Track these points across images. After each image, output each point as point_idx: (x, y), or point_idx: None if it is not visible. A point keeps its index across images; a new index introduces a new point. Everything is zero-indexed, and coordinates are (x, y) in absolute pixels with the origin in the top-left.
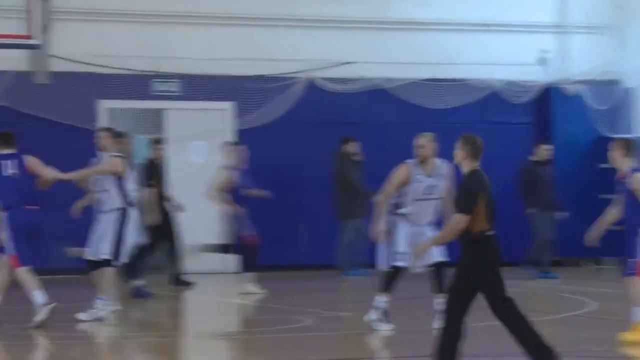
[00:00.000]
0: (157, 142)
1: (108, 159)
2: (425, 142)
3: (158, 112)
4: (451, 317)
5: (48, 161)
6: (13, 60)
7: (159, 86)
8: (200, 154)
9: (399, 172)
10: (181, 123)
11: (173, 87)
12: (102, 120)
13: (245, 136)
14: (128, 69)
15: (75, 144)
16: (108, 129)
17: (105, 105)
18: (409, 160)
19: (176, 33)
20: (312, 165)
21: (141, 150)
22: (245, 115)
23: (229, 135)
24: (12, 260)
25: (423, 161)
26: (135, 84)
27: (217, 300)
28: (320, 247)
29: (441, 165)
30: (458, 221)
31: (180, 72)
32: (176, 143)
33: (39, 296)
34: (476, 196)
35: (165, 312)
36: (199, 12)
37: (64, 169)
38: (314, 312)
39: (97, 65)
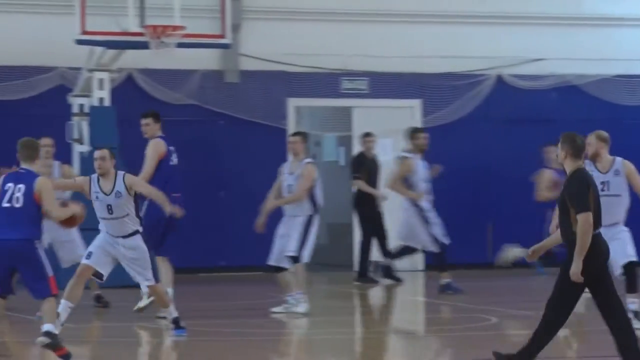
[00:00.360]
0: (367, 135)
1: (306, 169)
2: (590, 139)
3: (346, 110)
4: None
5: (237, 158)
6: (204, 60)
7: (348, 84)
8: (387, 151)
9: None
10: (369, 121)
11: (361, 85)
12: (291, 119)
13: (432, 133)
14: (317, 67)
15: (265, 142)
16: (301, 134)
17: (294, 104)
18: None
19: (365, 31)
20: (501, 163)
21: (329, 148)
22: (432, 112)
23: None
24: None
25: (592, 158)
26: (324, 82)
27: (404, 298)
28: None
29: (616, 162)
30: (585, 220)
31: (369, 69)
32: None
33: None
34: (587, 194)
35: (353, 309)
36: (389, 10)
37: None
38: (501, 311)
39: (287, 64)
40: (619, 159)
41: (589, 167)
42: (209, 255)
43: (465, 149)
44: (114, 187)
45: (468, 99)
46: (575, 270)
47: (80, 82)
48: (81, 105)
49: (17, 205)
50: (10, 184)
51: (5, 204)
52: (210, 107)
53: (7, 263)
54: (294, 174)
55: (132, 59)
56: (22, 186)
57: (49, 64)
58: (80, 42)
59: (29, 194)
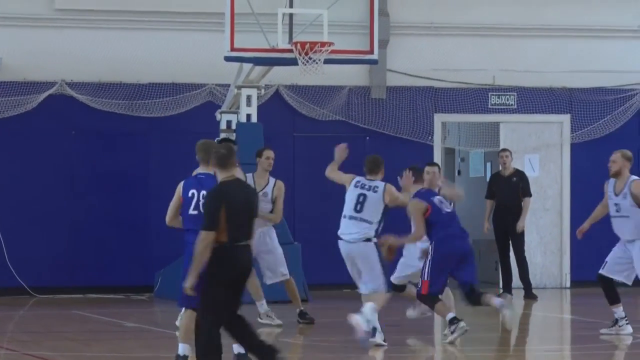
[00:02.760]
0: (501, 151)
1: None
2: (615, 157)
3: (493, 126)
4: None
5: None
6: (351, 75)
7: (496, 99)
8: (534, 167)
9: None
10: (516, 136)
11: (509, 100)
12: (437, 134)
13: (581, 149)
14: (465, 83)
15: (412, 158)
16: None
17: (441, 119)
18: None
19: (514, 45)
20: None
21: (475, 164)
22: (581, 127)
23: (565, 148)
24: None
25: (614, 176)
26: (472, 98)
27: (550, 315)
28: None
29: (627, 183)
30: (204, 237)
31: (517, 84)
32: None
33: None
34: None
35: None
36: (538, 25)
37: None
38: None
39: (434, 80)
40: (631, 179)
41: (610, 186)
42: None
43: None
44: None
45: (618, 114)
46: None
47: (229, 98)
48: (229, 122)
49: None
50: (193, 191)
51: (193, 212)
52: (356, 123)
53: None
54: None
55: (279, 75)
56: (205, 192)
57: (198, 81)
58: (229, 59)
59: None
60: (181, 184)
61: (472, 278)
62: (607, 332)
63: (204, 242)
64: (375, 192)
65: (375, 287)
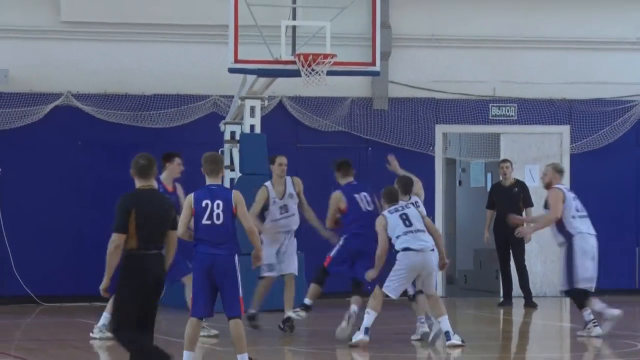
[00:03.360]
0: (502, 161)
1: None
2: (545, 170)
3: (494, 136)
4: None
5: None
6: (354, 87)
7: (496, 110)
8: (534, 178)
9: None
10: (516, 147)
11: (510, 111)
12: (439, 145)
13: (580, 159)
14: (465, 94)
15: (413, 168)
16: None
17: (442, 130)
18: None
19: (514, 57)
20: None
21: (476, 174)
22: (581, 138)
23: (565, 159)
24: None
25: (546, 188)
26: (472, 109)
27: (548, 323)
28: None
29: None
30: (112, 240)
31: (518, 96)
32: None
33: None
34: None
35: (498, 334)
36: (538, 37)
37: None
38: None
39: (435, 91)
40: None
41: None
42: None
43: (612, 174)
44: None
45: (617, 125)
46: None
47: (232, 109)
48: (233, 132)
49: (218, 223)
50: (207, 201)
51: (206, 222)
52: (358, 134)
53: (212, 278)
54: None
55: (283, 87)
56: (220, 202)
57: (202, 93)
58: (232, 70)
59: (228, 211)
60: (191, 196)
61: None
62: (580, 334)
63: (112, 244)
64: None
65: None
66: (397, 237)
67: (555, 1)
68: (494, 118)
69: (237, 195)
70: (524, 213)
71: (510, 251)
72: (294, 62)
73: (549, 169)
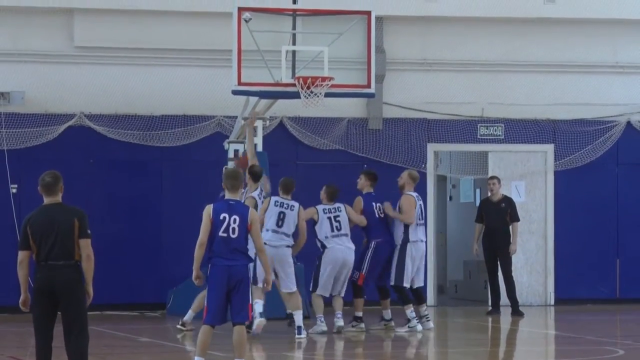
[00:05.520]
0: (489, 178)
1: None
2: (402, 174)
3: (482, 154)
4: None
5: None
6: (350, 108)
7: (484, 130)
8: (520, 193)
9: None
10: (504, 164)
11: (497, 130)
12: (430, 163)
13: (564, 176)
14: (456, 115)
15: None
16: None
17: (433, 149)
18: None
19: (501, 80)
20: (629, 203)
21: (466, 190)
22: (564, 157)
23: (549, 176)
24: None
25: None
26: (462, 129)
27: (534, 331)
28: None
29: None
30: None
31: (504, 116)
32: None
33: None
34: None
35: (486, 341)
36: (523, 61)
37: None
38: (628, 344)
39: (427, 112)
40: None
41: None
42: None
43: (594, 190)
44: None
45: (598, 144)
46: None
47: (236, 129)
48: (236, 151)
49: (233, 236)
50: (224, 214)
51: (222, 234)
52: (354, 152)
53: (227, 287)
54: None
55: (283, 108)
56: (237, 217)
57: (207, 113)
58: (236, 92)
59: (243, 227)
60: (210, 207)
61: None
62: (400, 330)
63: (18, 259)
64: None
65: None
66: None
67: (539, 27)
68: (483, 137)
69: (253, 214)
70: (510, 227)
71: (498, 262)
72: (293, 85)
73: (405, 174)
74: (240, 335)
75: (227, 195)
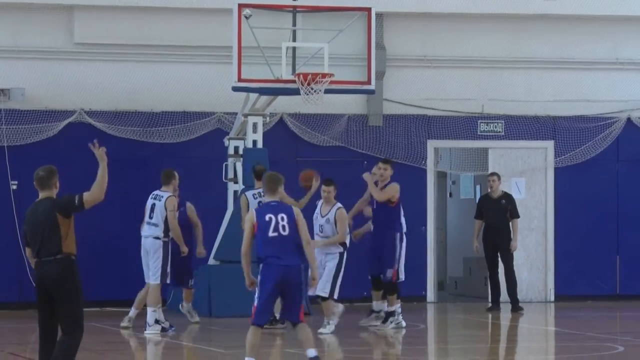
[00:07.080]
0: (489, 175)
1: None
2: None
3: (482, 151)
4: None
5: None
6: (350, 104)
7: (484, 127)
8: (520, 190)
9: None
10: (504, 161)
11: (497, 127)
12: (430, 159)
13: (564, 173)
14: (456, 111)
15: (406, 181)
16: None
17: (433, 145)
18: None
19: (501, 77)
20: (629, 199)
21: (466, 186)
22: (565, 153)
23: (549, 172)
24: None
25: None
26: (462, 125)
27: (534, 327)
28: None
29: None
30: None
31: (504, 113)
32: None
33: None
34: None
35: (487, 338)
36: (523, 57)
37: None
38: (628, 340)
39: (427, 108)
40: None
41: None
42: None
43: (594, 187)
44: None
45: (598, 141)
46: None
47: (236, 125)
48: (236, 147)
49: (285, 234)
50: (270, 215)
51: (272, 234)
52: (354, 149)
53: (281, 288)
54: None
55: (283, 104)
56: (284, 215)
57: (207, 110)
58: (236, 89)
59: (292, 223)
60: (253, 211)
61: None
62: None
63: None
64: None
65: None
66: None
67: (540, 24)
68: (483, 134)
69: (297, 210)
70: (510, 224)
71: (499, 259)
72: (294, 81)
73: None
74: (303, 332)
75: (267, 198)
